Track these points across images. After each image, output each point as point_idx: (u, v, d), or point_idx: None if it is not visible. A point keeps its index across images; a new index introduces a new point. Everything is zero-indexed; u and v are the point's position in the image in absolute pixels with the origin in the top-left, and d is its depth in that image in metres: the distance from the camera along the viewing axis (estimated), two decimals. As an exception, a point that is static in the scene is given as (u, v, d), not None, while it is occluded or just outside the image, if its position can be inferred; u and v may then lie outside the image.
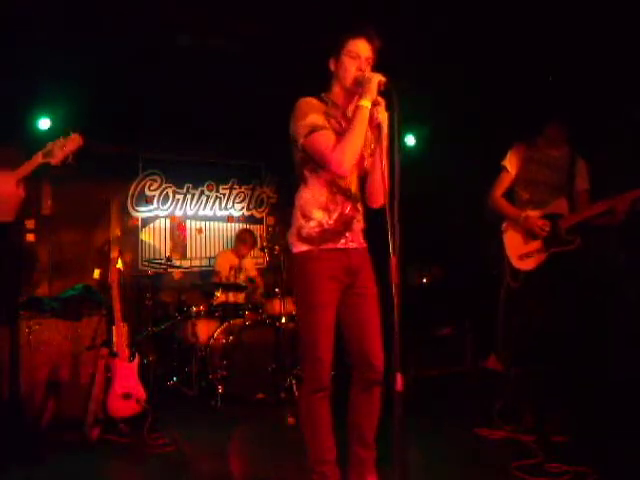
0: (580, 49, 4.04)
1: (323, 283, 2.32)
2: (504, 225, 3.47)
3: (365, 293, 2.40)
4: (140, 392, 3.66)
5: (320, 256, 2.33)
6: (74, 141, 2.66)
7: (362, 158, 2.41)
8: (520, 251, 3.37)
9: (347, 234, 2.38)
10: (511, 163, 3.44)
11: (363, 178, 2.47)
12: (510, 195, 3.51)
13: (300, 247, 2.37)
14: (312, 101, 2.35)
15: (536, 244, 3.32)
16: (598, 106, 3.98)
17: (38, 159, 2.68)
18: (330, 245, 2.35)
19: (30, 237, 5.51)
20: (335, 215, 2.36)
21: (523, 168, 3.40)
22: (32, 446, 3.35)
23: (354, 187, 2.42)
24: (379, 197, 2.33)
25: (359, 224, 2.45)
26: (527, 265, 3.34)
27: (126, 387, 3.64)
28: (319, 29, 4.15)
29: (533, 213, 3.33)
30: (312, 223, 2.35)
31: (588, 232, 3.23)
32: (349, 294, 2.39)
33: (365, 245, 2.48)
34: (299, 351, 2.41)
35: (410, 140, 6.35)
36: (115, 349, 3.71)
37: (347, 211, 2.38)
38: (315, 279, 2.32)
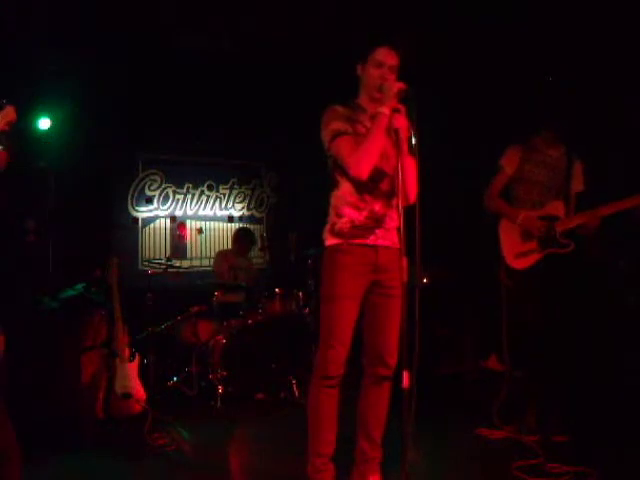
0: (579, 49, 4.05)
1: (347, 275, 2.39)
2: (500, 224, 3.47)
3: (390, 294, 2.44)
4: (140, 392, 3.66)
5: (349, 250, 2.42)
6: (5, 116, 2.01)
7: (389, 157, 2.43)
8: (516, 250, 3.36)
9: (377, 231, 2.45)
10: (508, 162, 3.43)
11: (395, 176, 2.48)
12: (506, 194, 3.50)
13: (331, 240, 2.47)
14: (337, 109, 2.46)
15: (532, 244, 3.32)
16: (597, 106, 3.98)
17: None
18: (359, 240, 2.43)
19: (30, 237, 5.51)
20: (365, 212, 2.44)
21: (520, 168, 3.39)
22: (32, 446, 3.34)
23: (385, 185, 2.47)
24: (407, 196, 2.38)
25: (392, 222, 2.48)
26: (521, 264, 3.34)
27: (126, 387, 3.63)
28: (320, 31, 4.16)
29: (530, 213, 3.32)
30: (344, 219, 2.44)
31: (586, 238, 3.24)
32: (374, 292, 2.45)
33: (398, 245, 2.45)
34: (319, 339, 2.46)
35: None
36: (115, 349, 3.70)
37: (377, 208, 2.45)
38: (340, 271, 2.40)
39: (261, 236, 6.45)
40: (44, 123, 5.19)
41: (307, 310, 4.77)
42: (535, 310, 3.28)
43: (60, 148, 5.46)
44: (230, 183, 6.74)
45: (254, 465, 3.23)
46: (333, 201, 2.52)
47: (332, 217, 2.50)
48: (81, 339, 4.07)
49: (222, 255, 5.79)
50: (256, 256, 6.15)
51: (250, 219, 6.82)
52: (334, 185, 2.51)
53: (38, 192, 5.58)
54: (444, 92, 5.07)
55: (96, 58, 4.49)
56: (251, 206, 6.87)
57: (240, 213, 6.78)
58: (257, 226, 6.82)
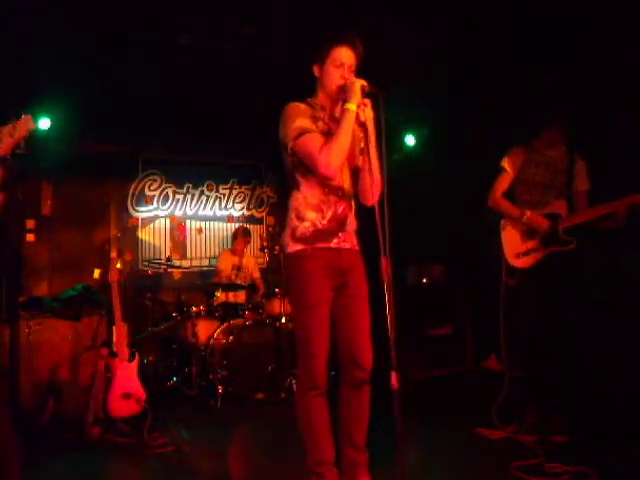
0: (579, 49, 4.05)
1: (316, 281, 2.36)
2: (502, 223, 3.48)
3: (356, 294, 2.44)
4: (140, 392, 3.66)
5: (313, 255, 2.38)
6: (24, 124, 2.19)
7: (353, 156, 2.46)
8: (517, 249, 3.38)
9: (340, 234, 2.43)
10: (510, 164, 3.44)
11: (355, 176, 2.51)
12: (509, 195, 3.51)
13: (294, 247, 2.42)
14: (299, 105, 2.42)
15: (533, 243, 3.32)
16: (598, 107, 3.98)
17: None
18: (323, 244, 2.40)
19: (30, 237, 5.51)
20: (329, 215, 2.41)
21: (522, 170, 3.41)
22: (32, 446, 3.35)
23: (347, 185, 2.47)
24: (370, 195, 2.35)
25: (352, 224, 2.50)
26: (523, 263, 3.35)
27: (126, 387, 3.64)
28: (319, 29, 4.15)
29: (535, 212, 3.33)
30: (306, 223, 2.40)
31: (590, 235, 3.23)
32: (341, 295, 2.43)
33: (358, 247, 2.52)
34: (296, 350, 2.45)
35: (410, 140, 6.35)
36: (115, 349, 3.71)
37: (340, 211, 2.43)
38: (308, 277, 2.37)
39: (261, 236, 6.46)
40: (44, 123, 5.19)
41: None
42: (537, 308, 3.28)
43: (60, 148, 5.46)
44: (230, 183, 6.74)
45: (254, 465, 3.23)
46: (293, 203, 2.45)
47: (292, 220, 2.43)
48: (81, 339, 4.08)
49: (225, 254, 5.80)
50: (256, 256, 6.16)
51: (250, 219, 6.83)
52: (294, 186, 2.45)
53: (38, 192, 5.58)
54: (445, 92, 5.07)
55: (96, 58, 4.49)
56: (251, 206, 6.87)
57: (240, 213, 6.78)
58: (257, 226, 6.83)
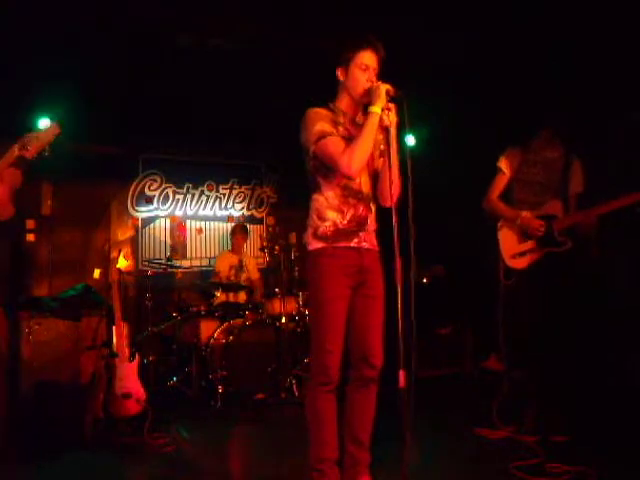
0: (578, 49, 4.05)
1: (335, 278, 2.40)
2: (499, 224, 3.49)
3: (373, 295, 2.48)
4: (140, 392, 3.66)
5: (334, 253, 2.43)
6: (51, 130, 2.47)
7: (372, 159, 2.51)
8: (513, 250, 3.39)
9: (360, 234, 2.48)
10: (506, 165, 3.45)
11: (375, 179, 2.56)
12: (506, 195, 3.51)
13: (315, 244, 2.47)
14: (320, 111, 2.46)
15: (529, 244, 3.34)
16: (596, 107, 3.99)
17: (14, 152, 2.47)
18: (343, 243, 2.44)
19: (30, 237, 5.51)
20: (349, 216, 2.46)
21: (519, 170, 3.42)
22: (32, 446, 3.35)
23: (366, 188, 2.52)
24: (389, 197, 2.40)
25: (372, 225, 2.54)
26: (519, 264, 3.36)
27: (126, 387, 3.63)
28: (319, 31, 4.16)
29: (528, 214, 3.33)
30: (327, 223, 2.45)
31: (587, 237, 3.23)
32: (358, 294, 2.46)
33: (378, 248, 2.56)
34: (310, 344, 2.47)
35: (410, 140, 6.35)
36: (115, 349, 3.71)
37: (360, 211, 2.48)
38: (327, 274, 2.41)
39: (260, 236, 6.46)
40: (44, 123, 5.18)
41: (307, 310, 4.77)
42: (533, 309, 3.29)
43: (60, 148, 5.45)
44: (230, 183, 6.73)
45: (254, 465, 3.23)
46: (315, 204, 2.50)
47: (314, 221, 2.49)
48: (81, 339, 4.07)
49: (223, 255, 5.81)
50: (256, 256, 6.17)
51: (250, 219, 6.82)
52: (316, 188, 2.50)
53: (38, 192, 5.58)
54: (445, 93, 5.08)
55: (96, 58, 4.49)
56: (251, 206, 6.87)
57: (240, 213, 6.78)
58: (257, 226, 6.83)
